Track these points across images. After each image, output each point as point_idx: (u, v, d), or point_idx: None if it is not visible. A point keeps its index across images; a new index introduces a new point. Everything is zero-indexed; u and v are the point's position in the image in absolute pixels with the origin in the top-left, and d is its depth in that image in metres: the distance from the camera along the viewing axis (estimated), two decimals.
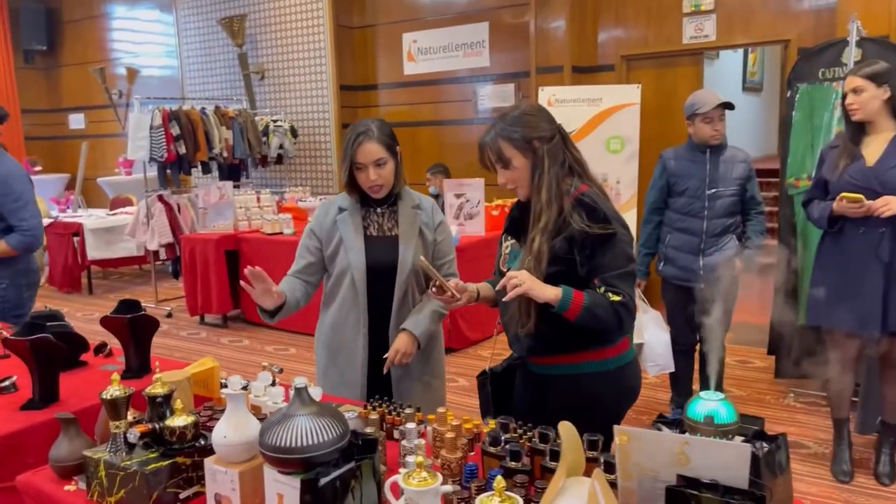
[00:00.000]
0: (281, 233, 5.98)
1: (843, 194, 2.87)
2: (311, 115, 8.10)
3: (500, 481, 1.17)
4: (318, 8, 7.83)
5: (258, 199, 6.64)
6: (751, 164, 3.50)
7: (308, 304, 2.33)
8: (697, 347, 3.74)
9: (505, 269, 1.95)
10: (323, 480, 1.28)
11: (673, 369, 3.65)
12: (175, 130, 6.78)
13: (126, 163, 9.35)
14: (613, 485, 1.33)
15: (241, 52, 8.31)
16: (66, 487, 1.63)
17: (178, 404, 1.58)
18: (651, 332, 3.65)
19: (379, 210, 2.33)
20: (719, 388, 3.79)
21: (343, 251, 2.27)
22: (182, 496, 1.54)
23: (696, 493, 1.21)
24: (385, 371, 2.25)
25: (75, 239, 7.40)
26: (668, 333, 3.68)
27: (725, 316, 3.66)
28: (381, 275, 2.26)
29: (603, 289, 1.78)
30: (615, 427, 1.19)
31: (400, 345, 2.24)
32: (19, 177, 3.27)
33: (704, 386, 3.76)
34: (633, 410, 2.66)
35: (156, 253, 6.97)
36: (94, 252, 7.48)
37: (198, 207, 6.75)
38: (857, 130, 2.99)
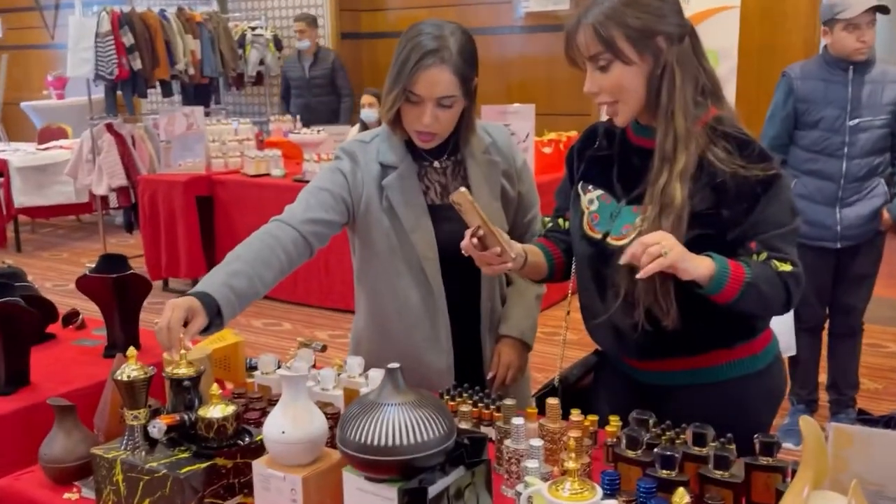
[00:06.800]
0: (268, 174, 5.92)
1: None
2: None
3: (682, 495, 1.13)
4: None
5: (236, 131, 6.56)
6: None
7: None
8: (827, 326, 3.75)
9: (598, 235, 1.79)
10: (433, 490, 1.25)
11: (794, 353, 3.62)
12: (128, 40, 6.70)
13: (58, 82, 9.29)
14: None
15: None
16: (67, 496, 1.61)
17: (213, 389, 1.55)
18: None
19: (438, 165, 2.06)
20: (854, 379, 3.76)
21: (402, 232, 2.01)
22: None
23: None
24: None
25: None
26: None
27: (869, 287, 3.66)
28: (457, 257, 1.83)
29: (765, 255, 1.64)
30: (834, 426, 1.14)
31: (509, 358, 2.10)
32: None
33: (834, 375, 3.75)
34: None
35: (104, 199, 6.93)
36: (22, 198, 7.46)
37: (158, 141, 6.69)
38: None
